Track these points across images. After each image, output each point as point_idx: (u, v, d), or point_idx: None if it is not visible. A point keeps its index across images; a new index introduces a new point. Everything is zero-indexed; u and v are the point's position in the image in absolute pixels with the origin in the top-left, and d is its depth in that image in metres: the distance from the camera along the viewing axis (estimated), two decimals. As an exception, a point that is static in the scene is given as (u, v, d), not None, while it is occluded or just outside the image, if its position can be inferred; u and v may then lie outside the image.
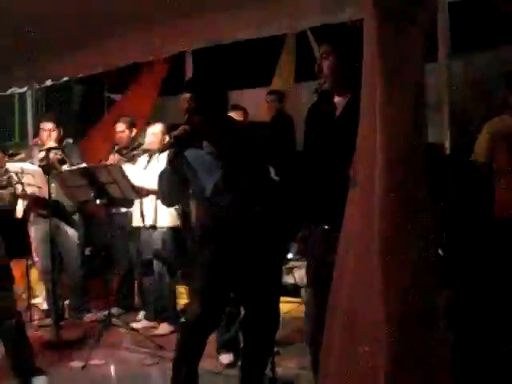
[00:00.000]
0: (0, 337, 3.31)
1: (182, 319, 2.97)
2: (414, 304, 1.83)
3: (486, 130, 3.75)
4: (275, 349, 3.09)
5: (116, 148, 4.92)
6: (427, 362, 1.85)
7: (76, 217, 4.81)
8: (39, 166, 4.42)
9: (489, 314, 2.99)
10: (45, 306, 4.95)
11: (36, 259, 4.94)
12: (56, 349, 4.01)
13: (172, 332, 4.18)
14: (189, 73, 4.98)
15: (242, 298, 2.88)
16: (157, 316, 4.50)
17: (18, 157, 4.98)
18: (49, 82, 6.00)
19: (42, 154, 4.59)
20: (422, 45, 1.80)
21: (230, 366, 3.55)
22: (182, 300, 4.76)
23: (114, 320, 4.18)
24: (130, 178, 3.97)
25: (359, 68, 1.99)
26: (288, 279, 4.34)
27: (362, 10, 1.95)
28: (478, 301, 3.03)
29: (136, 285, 4.99)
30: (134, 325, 4.45)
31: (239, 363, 3.06)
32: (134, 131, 5.04)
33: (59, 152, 4.53)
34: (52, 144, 4.67)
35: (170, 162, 2.65)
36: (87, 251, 5.15)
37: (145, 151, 4.60)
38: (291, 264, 4.88)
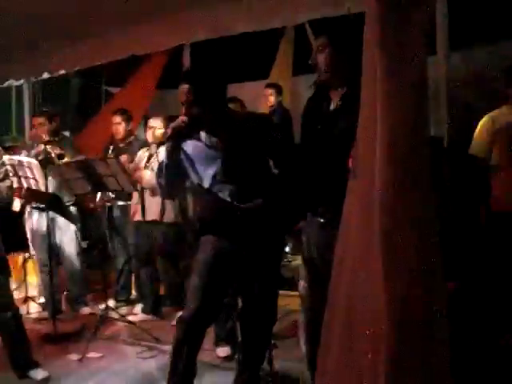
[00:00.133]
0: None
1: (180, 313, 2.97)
2: (415, 303, 1.83)
3: (485, 124, 3.75)
4: (272, 342, 3.10)
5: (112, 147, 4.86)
6: (427, 361, 1.85)
7: (73, 209, 4.80)
8: (37, 159, 4.40)
9: (487, 307, 2.99)
10: (42, 299, 4.95)
11: (33, 252, 4.94)
12: (53, 342, 4.00)
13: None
14: (187, 65, 4.96)
15: (240, 290, 2.88)
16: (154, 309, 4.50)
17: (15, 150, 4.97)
18: (46, 75, 5.97)
19: (39, 147, 4.59)
20: (424, 38, 1.79)
21: (227, 358, 3.54)
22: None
23: (111, 313, 4.18)
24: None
25: (355, 61, 1.98)
26: (285, 272, 4.34)
27: (362, 2, 1.94)
28: (477, 293, 3.03)
29: (133, 278, 4.98)
30: (132, 318, 4.44)
31: (236, 356, 3.06)
32: (131, 124, 5.02)
33: (57, 147, 4.52)
34: (46, 138, 4.65)
35: (168, 154, 2.64)
36: (84, 244, 5.14)
37: (143, 145, 4.61)
38: (289, 257, 4.88)
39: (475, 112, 4.27)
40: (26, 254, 5.06)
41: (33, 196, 4.52)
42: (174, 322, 3.58)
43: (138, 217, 4.50)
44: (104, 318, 4.07)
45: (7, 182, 4.13)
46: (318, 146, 2.38)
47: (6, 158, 4.19)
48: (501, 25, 4.79)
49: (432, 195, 1.87)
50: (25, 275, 4.87)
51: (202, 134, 2.66)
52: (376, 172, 1.82)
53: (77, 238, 4.81)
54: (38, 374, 3.35)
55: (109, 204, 4.69)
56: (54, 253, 4.49)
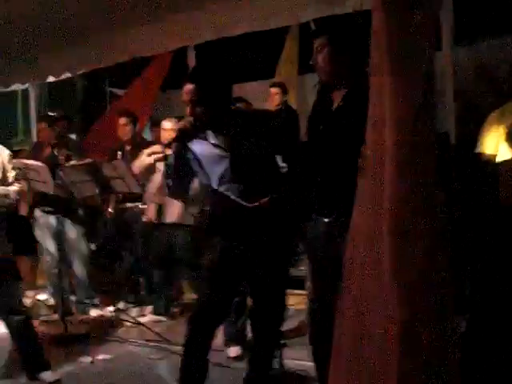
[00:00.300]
0: (9, 332, 3.32)
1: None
2: (424, 304, 1.82)
3: (493, 119, 3.72)
4: (281, 341, 3.09)
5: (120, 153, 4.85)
6: (437, 362, 1.85)
7: (81, 212, 4.81)
8: (44, 162, 4.42)
9: (496, 302, 2.97)
10: (51, 302, 4.96)
11: (42, 255, 4.95)
12: (63, 344, 4.01)
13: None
14: (192, 66, 4.96)
15: (251, 289, 2.88)
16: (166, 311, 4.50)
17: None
18: (51, 79, 5.98)
19: (47, 150, 4.61)
20: (431, 33, 1.78)
21: (237, 358, 3.55)
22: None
23: (120, 314, 4.19)
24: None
25: (355, 60, 1.97)
26: (294, 272, 4.32)
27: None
28: (486, 287, 3.01)
29: (143, 279, 4.98)
30: (141, 319, 4.45)
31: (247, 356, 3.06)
32: (137, 126, 5.03)
33: (64, 149, 4.54)
34: (53, 141, 4.67)
35: (176, 154, 2.65)
36: (93, 246, 5.15)
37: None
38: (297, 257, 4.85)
39: (482, 107, 4.25)
40: (35, 257, 5.07)
41: (41, 199, 4.54)
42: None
43: (153, 218, 4.41)
44: (114, 320, 4.08)
45: (15, 186, 4.15)
46: (321, 146, 2.38)
47: (14, 161, 4.21)
48: (506, 19, 4.76)
49: (440, 193, 1.87)
50: (34, 278, 4.88)
51: (209, 134, 2.66)
52: (385, 171, 1.81)
53: (84, 241, 4.83)
54: (49, 376, 3.36)
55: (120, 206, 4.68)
56: (62, 255, 4.51)
